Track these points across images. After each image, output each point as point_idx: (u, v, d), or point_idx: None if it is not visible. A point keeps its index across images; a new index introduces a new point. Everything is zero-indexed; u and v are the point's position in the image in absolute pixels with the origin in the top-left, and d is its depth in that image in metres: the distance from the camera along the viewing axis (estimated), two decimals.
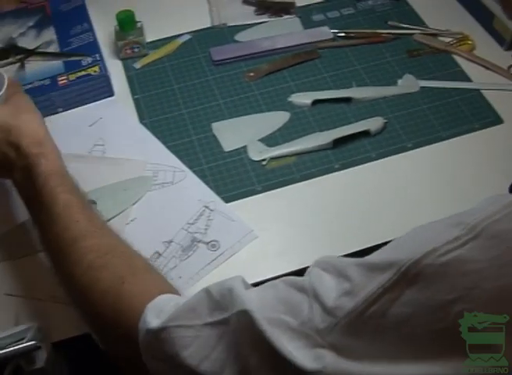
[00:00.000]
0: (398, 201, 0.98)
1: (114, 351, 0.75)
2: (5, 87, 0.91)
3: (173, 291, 0.75)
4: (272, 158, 1.03)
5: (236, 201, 0.99)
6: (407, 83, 1.14)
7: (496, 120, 1.09)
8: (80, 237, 0.77)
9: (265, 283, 0.64)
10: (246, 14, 1.30)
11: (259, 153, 1.04)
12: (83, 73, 1.12)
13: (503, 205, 0.51)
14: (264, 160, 1.03)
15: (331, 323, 0.55)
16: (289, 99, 1.12)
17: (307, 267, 0.84)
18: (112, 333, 0.73)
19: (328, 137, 1.04)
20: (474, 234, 0.50)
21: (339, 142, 1.05)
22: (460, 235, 0.51)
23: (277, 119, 1.09)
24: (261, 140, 1.06)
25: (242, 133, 1.07)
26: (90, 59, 1.15)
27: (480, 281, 0.49)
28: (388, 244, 0.58)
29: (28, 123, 0.86)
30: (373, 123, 1.06)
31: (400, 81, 1.15)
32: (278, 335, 0.57)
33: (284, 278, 0.63)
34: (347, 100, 1.11)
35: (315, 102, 1.11)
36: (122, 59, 1.21)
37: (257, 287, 0.65)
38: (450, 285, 0.49)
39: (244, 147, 1.05)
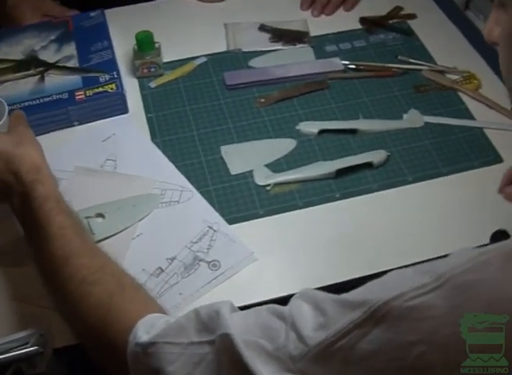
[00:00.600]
0: (395, 233, 1.02)
1: (102, 362, 0.80)
2: (5, 115, 0.97)
3: (161, 310, 0.80)
4: (276, 184, 1.08)
5: (239, 224, 1.03)
6: (412, 118, 1.19)
7: (496, 159, 1.12)
8: (73, 254, 0.82)
9: (251, 309, 0.69)
10: (261, 41, 1.35)
11: (264, 178, 1.08)
12: (100, 89, 1.17)
13: (469, 258, 0.55)
14: (268, 185, 1.07)
15: (303, 350, 0.60)
16: (297, 127, 1.16)
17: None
18: (101, 345, 0.78)
19: (331, 166, 1.09)
20: (440, 283, 0.55)
21: (341, 172, 1.09)
22: (426, 283, 0.55)
23: (284, 146, 1.14)
24: (267, 165, 1.10)
25: (249, 158, 1.12)
26: (107, 76, 1.20)
27: (440, 326, 0.53)
28: (364, 285, 0.63)
29: (28, 152, 0.91)
30: (376, 156, 1.11)
31: (405, 116, 1.19)
32: (253, 358, 0.62)
33: (268, 305, 0.68)
34: (353, 131, 1.16)
35: (322, 132, 1.16)
36: (138, 78, 1.27)
37: (242, 312, 0.70)
38: (413, 328, 0.54)
39: (250, 171, 1.10)
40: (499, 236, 0.67)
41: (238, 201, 1.06)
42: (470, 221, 1.03)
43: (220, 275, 0.96)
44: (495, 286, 0.53)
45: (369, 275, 0.95)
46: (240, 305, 0.90)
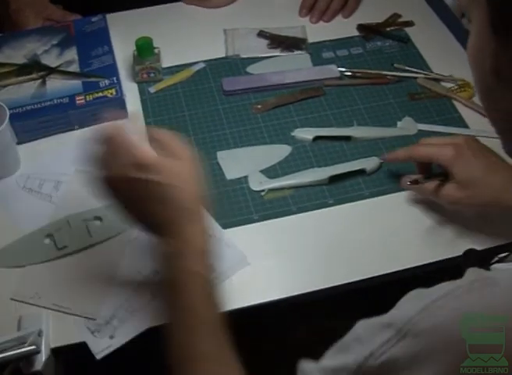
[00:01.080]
0: (387, 240, 1.04)
1: None
2: (6, 119, 1.02)
3: None
4: (271, 190, 1.11)
5: (232, 228, 1.06)
6: (406, 126, 1.22)
7: None
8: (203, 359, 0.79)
9: None
10: (259, 47, 1.38)
11: (259, 183, 1.11)
12: (100, 94, 1.20)
13: (424, 306, 0.59)
14: (263, 191, 1.10)
15: None
16: (292, 134, 1.19)
17: (295, 296, 0.92)
18: None
19: (325, 173, 1.12)
20: (401, 336, 0.59)
21: (335, 178, 1.12)
22: (391, 337, 0.60)
23: (279, 152, 1.17)
24: (262, 171, 1.14)
25: (244, 164, 1.15)
26: (107, 81, 1.23)
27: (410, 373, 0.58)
28: (335, 345, 0.68)
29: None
30: (369, 163, 1.14)
31: (399, 123, 1.22)
32: None
33: None
34: (347, 138, 1.19)
35: (316, 138, 1.19)
36: (138, 83, 1.30)
37: None
38: None
39: (246, 176, 1.13)
40: (469, 254, 0.70)
41: (232, 205, 1.09)
42: (462, 227, 1.05)
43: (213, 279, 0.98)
44: (448, 329, 0.56)
45: (361, 280, 1.00)
46: (232, 308, 0.94)
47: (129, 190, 0.82)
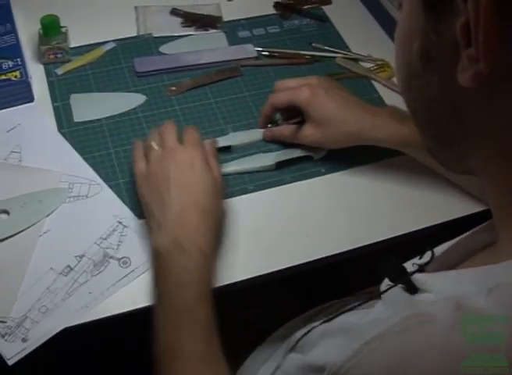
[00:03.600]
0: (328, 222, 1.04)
1: None
2: None
3: None
4: None
5: None
6: None
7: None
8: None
9: None
10: (172, 25, 1.34)
11: None
12: (3, 77, 1.15)
13: (355, 350, 0.57)
14: None
15: None
16: None
17: (223, 286, 0.91)
18: None
19: (271, 159, 1.11)
20: None
21: (281, 164, 1.11)
22: None
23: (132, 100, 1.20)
24: None
25: (97, 107, 1.17)
26: (11, 63, 1.17)
27: None
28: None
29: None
30: (316, 148, 1.12)
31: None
32: None
33: None
34: (227, 148, 1.14)
35: None
36: (44, 64, 1.24)
37: None
38: None
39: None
40: (386, 263, 0.70)
41: None
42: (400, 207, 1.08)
43: (131, 272, 0.96)
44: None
45: (308, 262, 1.00)
46: (152, 302, 0.91)
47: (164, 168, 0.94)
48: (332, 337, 0.65)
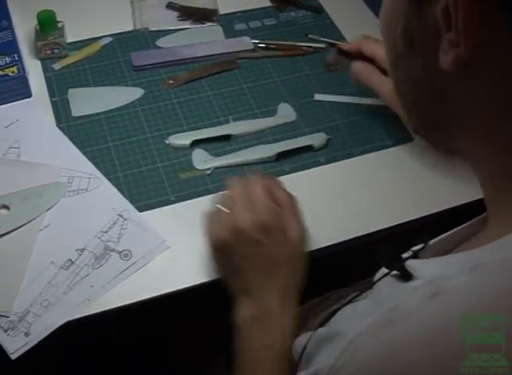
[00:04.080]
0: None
1: None
2: None
3: None
4: (187, 170, 1.08)
5: (150, 211, 1.03)
6: (285, 113, 1.19)
7: (407, 138, 1.15)
8: None
9: None
10: (169, 19, 1.34)
11: (204, 162, 1.09)
12: (1, 73, 1.15)
13: (340, 350, 0.57)
14: (208, 169, 1.09)
15: None
16: (167, 142, 1.13)
17: (218, 279, 0.91)
18: None
19: (272, 150, 1.11)
20: None
21: (282, 155, 1.11)
22: None
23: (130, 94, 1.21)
24: (207, 149, 1.12)
25: (95, 101, 1.17)
26: (8, 59, 1.17)
27: None
28: None
29: None
30: (317, 139, 1.13)
31: (278, 111, 1.19)
32: None
33: None
34: (227, 137, 1.15)
35: (195, 142, 1.13)
36: (41, 60, 1.24)
37: None
38: None
39: (160, 154, 1.11)
40: (383, 250, 0.69)
41: (148, 187, 1.06)
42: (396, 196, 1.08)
43: (132, 265, 0.96)
44: (371, 371, 0.54)
45: None
46: (153, 295, 0.92)
47: (244, 243, 0.86)
48: (326, 343, 0.64)
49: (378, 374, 0.53)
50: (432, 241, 0.70)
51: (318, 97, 1.21)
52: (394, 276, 0.63)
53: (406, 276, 0.60)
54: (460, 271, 0.52)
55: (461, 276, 0.52)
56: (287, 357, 0.82)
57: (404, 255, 0.65)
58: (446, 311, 0.51)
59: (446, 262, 0.58)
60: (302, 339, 0.72)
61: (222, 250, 0.89)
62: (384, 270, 0.66)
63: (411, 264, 0.61)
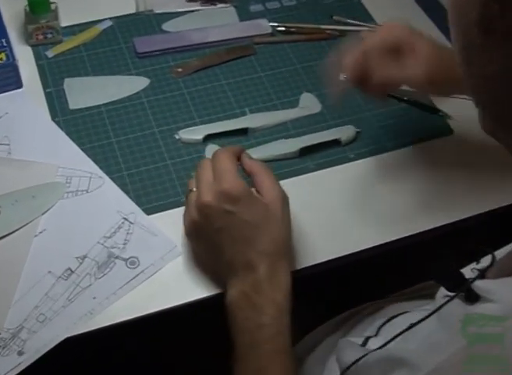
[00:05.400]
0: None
1: None
2: None
3: None
4: None
5: (158, 214, 1.01)
6: (308, 104, 1.17)
7: (446, 131, 1.14)
8: None
9: None
10: (176, 0, 1.32)
11: None
12: None
13: None
14: None
15: None
16: (177, 137, 1.11)
17: None
18: None
19: (295, 145, 1.09)
20: None
21: (306, 151, 1.09)
22: None
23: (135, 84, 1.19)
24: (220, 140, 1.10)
25: (94, 92, 1.16)
26: None
27: None
28: None
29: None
30: (344, 132, 1.11)
31: (300, 102, 1.17)
32: None
33: None
34: (243, 131, 1.12)
35: (208, 137, 1.11)
36: (32, 46, 1.22)
37: None
38: None
39: (170, 150, 1.09)
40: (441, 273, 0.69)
41: (156, 187, 1.04)
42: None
43: (140, 273, 0.94)
44: None
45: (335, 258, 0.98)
46: (165, 307, 0.90)
47: (212, 217, 0.87)
48: (391, 369, 0.65)
49: None
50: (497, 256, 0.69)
51: None
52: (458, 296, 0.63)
53: (472, 298, 0.61)
54: None
55: None
56: (284, 332, 0.84)
57: (469, 275, 0.64)
58: None
59: None
60: (348, 350, 0.74)
61: (197, 232, 0.90)
62: (445, 291, 0.66)
63: (480, 285, 0.61)
